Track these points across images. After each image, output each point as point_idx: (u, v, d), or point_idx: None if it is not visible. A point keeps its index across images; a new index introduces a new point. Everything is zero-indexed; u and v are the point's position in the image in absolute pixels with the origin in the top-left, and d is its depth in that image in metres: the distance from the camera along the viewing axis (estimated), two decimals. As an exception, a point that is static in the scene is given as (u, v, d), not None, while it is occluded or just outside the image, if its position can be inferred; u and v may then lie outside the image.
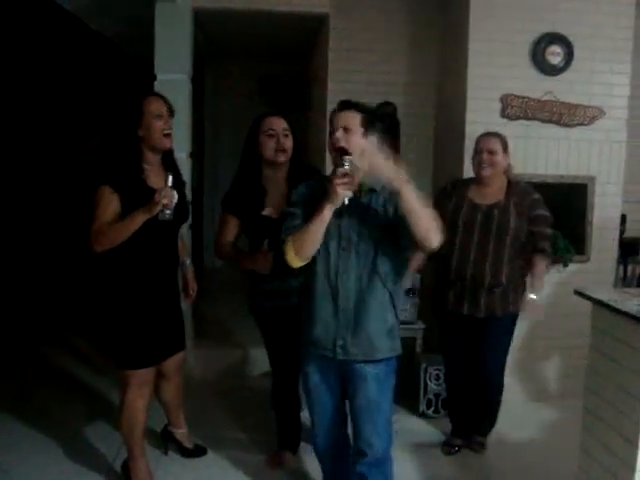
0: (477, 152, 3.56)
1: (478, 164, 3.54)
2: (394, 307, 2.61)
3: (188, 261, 3.54)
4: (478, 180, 3.59)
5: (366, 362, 2.59)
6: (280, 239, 2.58)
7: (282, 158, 3.22)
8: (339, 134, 2.48)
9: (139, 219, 2.88)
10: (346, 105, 2.54)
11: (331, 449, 2.91)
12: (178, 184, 3.05)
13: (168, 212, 2.87)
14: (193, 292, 3.53)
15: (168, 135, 3.08)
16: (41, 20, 5.86)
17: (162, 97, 3.15)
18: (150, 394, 3.26)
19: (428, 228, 2.34)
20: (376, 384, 2.61)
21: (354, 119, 2.49)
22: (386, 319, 2.59)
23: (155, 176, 3.07)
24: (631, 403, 2.47)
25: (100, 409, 4.20)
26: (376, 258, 2.50)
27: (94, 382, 4.66)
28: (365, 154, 2.40)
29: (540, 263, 3.48)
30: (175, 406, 3.57)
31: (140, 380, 3.15)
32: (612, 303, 2.57)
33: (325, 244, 2.52)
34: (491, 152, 3.48)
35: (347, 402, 2.79)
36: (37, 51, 6.59)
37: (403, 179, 2.28)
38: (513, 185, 3.55)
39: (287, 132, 3.25)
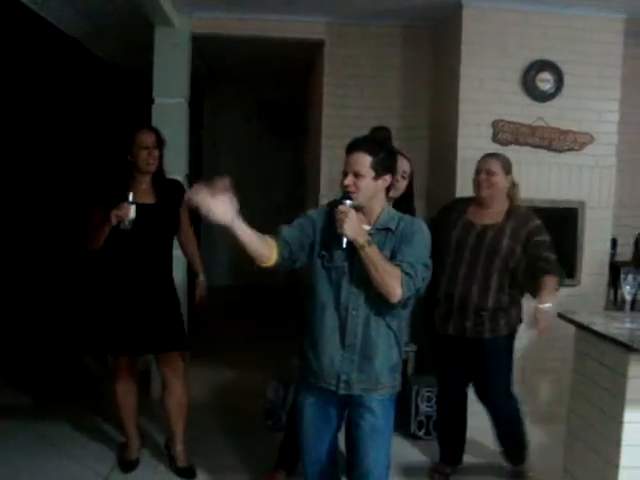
0: (476, 172, 3.54)
1: (477, 184, 3.52)
2: (399, 346, 2.64)
3: (201, 277, 3.86)
4: (478, 200, 3.56)
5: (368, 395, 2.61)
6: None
7: None
8: (349, 180, 2.50)
9: (105, 227, 3.37)
10: (356, 147, 2.53)
11: (325, 476, 2.85)
12: (165, 200, 3.59)
13: (126, 224, 3.34)
14: (202, 306, 3.87)
15: (150, 163, 3.53)
16: (43, 45, 5.97)
17: (153, 130, 3.63)
18: (131, 383, 3.70)
19: (384, 284, 2.41)
20: (381, 412, 2.62)
21: (364, 162, 2.49)
22: (391, 357, 2.62)
23: (144, 194, 3.53)
24: (611, 425, 2.51)
25: (95, 427, 4.24)
26: (381, 299, 2.48)
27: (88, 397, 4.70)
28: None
29: (549, 280, 3.35)
30: (174, 419, 3.69)
31: (118, 367, 3.65)
32: (592, 326, 2.61)
33: (337, 279, 2.56)
34: (489, 173, 3.46)
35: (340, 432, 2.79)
36: (38, 76, 6.72)
37: (364, 239, 2.43)
38: (514, 209, 3.52)
39: None
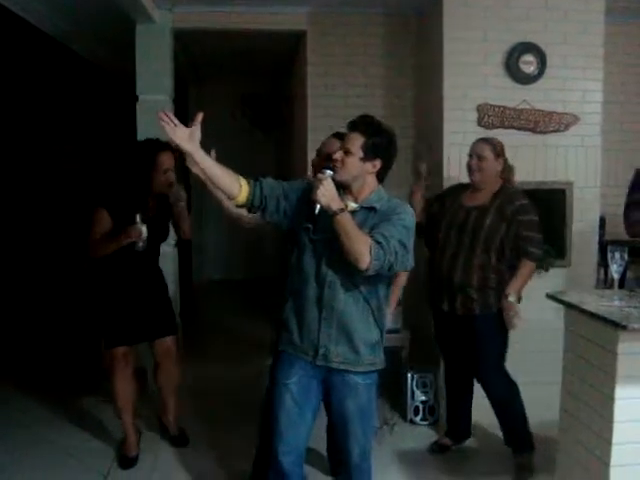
0: (469, 157, 3.65)
1: (468, 169, 3.63)
2: (378, 326, 2.63)
3: (182, 192, 3.82)
4: (471, 184, 3.67)
5: (349, 372, 2.59)
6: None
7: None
8: (338, 154, 2.55)
9: (114, 244, 3.51)
10: (354, 126, 2.59)
11: (298, 467, 2.73)
12: (160, 213, 3.79)
13: (140, 245, 3.45)
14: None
15: (167, 187, 3.70)
16: (21, 45, 5.94)
17: (172, 151, 3.60)
18: (128, 375, 3.76)
19: (352, 250, 2.38)
20: (366, 393, 2.62)
21: (356, 142, 2.54)
22: (370, 336, 2.60)
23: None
24: (604, 402, 2.53)
25: (94, 424, 4.26)
26: (356, 274, 2.47)
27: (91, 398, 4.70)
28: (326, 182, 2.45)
29: (524, 265, 3.52)
30: (166, 393, 3.97)
31: (115, 359, 3.70)
32: (581, 305, 2.63)
33: (320, 252, 2.56)
34: (480, 157, 3.57)
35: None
36: (19, 76, 6.69)
37: (337, 206, 2.41)
38: (502, 189, 3.61)
39: None
